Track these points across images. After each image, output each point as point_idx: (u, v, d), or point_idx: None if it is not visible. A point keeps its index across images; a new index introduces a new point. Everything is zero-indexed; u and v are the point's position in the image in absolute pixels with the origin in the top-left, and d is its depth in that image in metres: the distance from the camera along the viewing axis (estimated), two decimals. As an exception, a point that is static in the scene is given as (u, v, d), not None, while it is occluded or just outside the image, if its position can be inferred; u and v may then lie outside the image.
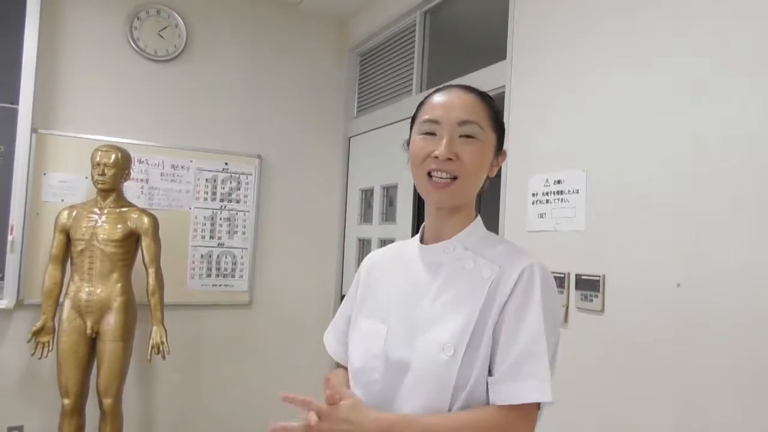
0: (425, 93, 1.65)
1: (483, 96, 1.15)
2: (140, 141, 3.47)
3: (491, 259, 1.10)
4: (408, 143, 1.17)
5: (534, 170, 2.35)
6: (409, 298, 1.14)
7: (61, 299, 2.95)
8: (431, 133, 1.10)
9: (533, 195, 2.35)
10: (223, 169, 3.72)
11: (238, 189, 3.77)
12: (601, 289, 2.01)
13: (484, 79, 2.72)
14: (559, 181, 2.23)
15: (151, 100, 3.55)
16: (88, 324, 2.89)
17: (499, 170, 1.20)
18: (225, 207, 3.72)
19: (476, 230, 1.17)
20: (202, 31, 3.69)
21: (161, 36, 3.56)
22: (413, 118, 1.18)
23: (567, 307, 2.15)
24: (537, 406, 1.02)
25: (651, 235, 1.87)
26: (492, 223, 2.49)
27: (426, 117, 1.12)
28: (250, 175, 3.80)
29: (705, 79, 1.75)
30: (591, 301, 2.05)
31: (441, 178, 1.09)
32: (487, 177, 1.16)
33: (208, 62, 3.71)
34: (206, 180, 3.67)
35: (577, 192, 2.15)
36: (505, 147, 1.19)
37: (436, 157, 1.07)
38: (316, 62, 4.06)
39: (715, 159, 1.70)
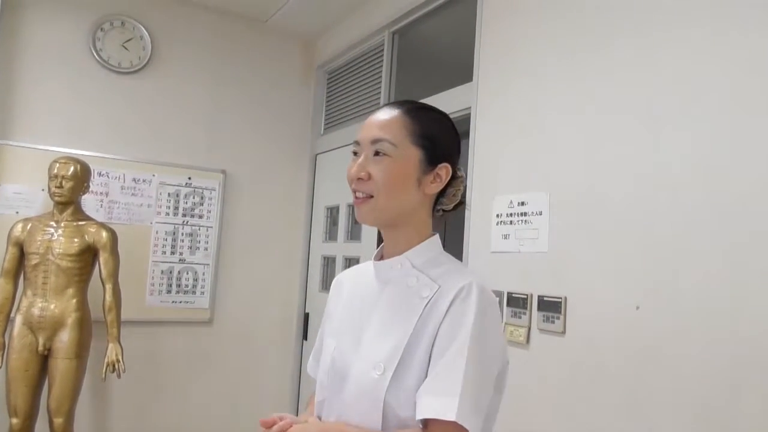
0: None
1: (409, 111, 1.13)
2: (101, 153, 3.40)
3: (434, 278, 1.10)
4: None
5: (498, 191, 2.38)
6: (358, 314, 1.16)
7: (12, 315, 2.84)
8: (357, 154, 1.14)
9: (497, 216, 2.37)
10: (187, 183, 3.66)
11: (202, 204, 3.71)
12: (562, 311, 2.03)
13: (450, 100, 2.75)
14: (522, 203, 2.26)
15: (113, 112, 3.48)
16: (40, 341, 2.79)
17: (465, 190, 1.20)
18: (187, 222, 3.66)
19: (430, 248, 1.15)
20: (168, 44, 3.64)
21: (125, 48, 3.51)
22: None
23: (529, 329, 2.17)
24: (459, 426, 0.95)
25: (612, 258, 1.90)
26: (457, 244, 2.50)
27: (354, 139, 1.16)
28: (214, 190, 3.75)
29: (666, 105, 1.80)
30: (553, 322, 2.06)
31: (358, 197, 1.12)
32: (431, 194, 1.14)
33: (173, 75, 3.66)
34: (168, 194, 3.60)
35: (541, 214, 2.18)
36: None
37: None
38: (283, 79, 4.05)
39: (674, 184, 1.74)
